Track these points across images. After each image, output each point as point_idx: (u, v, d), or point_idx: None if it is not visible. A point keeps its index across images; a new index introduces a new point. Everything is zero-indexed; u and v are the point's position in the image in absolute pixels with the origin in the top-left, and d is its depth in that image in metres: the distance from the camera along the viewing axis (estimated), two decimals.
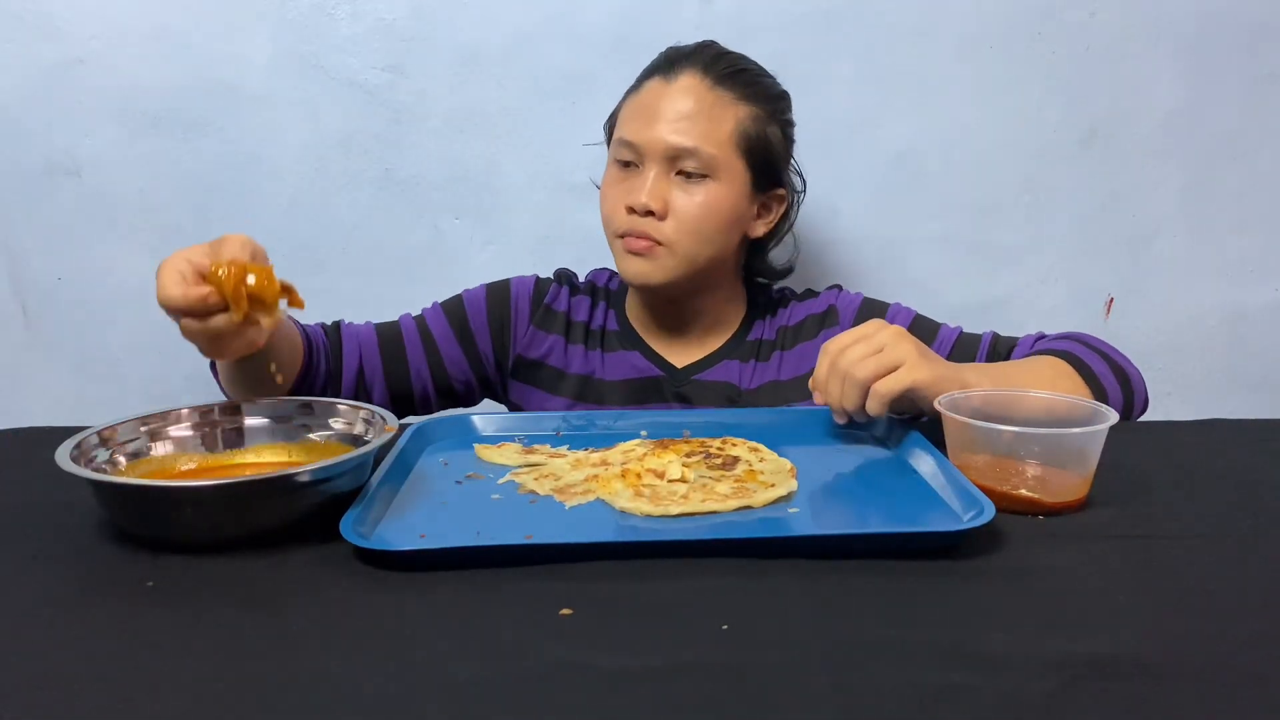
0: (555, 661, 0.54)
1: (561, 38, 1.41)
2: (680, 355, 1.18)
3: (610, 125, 1.18)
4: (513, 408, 1.20)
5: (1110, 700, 0.50)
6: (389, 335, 1.14)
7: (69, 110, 1.39)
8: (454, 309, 1.18)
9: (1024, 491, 0.76)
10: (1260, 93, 1.47)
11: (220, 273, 0.78)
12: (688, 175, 1.09)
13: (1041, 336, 1.10)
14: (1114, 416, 0.79)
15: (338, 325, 1.12)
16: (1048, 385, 0.93)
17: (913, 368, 0.85)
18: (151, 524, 0.70)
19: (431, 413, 1.16)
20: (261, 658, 0.55)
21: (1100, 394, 0.98)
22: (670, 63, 1.12)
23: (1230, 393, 1.56)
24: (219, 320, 0.79)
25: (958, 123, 1.46)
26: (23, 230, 1.43)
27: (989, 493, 0.73)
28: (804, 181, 1.22)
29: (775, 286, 1.25)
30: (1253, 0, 1.43)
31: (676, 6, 1.39)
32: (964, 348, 1.11)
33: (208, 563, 0.67)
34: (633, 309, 1.21)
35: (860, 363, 0.86)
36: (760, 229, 1.17)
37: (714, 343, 1.19)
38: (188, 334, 0.81)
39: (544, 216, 1.47)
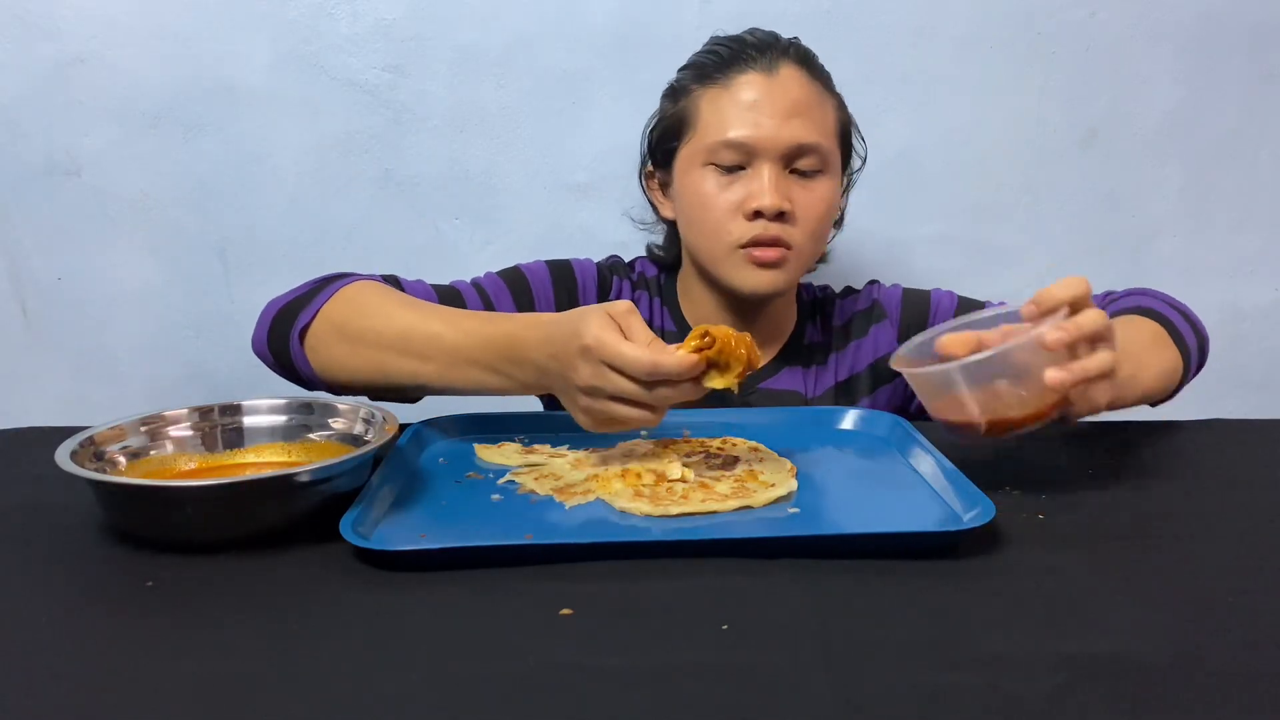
0: (555, 661, 0.54)
1: (561, 38, 1.41)
2: None
3: (671, 127, 1.10)
4: (558, 404, 1.15)
5: (1110, 700, 0.50)
6: (450, 297, 1.06)
7: (69, 110, 1.39)
8: (515, 281, 1.11)
9: (1012, 413, 0.77)
10: (1260, 93, 1.47)
11: (708, 339, 0.74)
12: (803, 173, 1.04)
13: (1109, 295, 1.11)
14: (1014, 319, 0.79)
15: (396, 279, 1.04)
16: (1157, 357, 0.95)
17: (1113, 382, 0.79)
18: (151, 524, 0.70)
19: None
20: (261, 658, 0.55)
21: (1186, 354, 0.98)
22: (760, 53, 1.06)
23: (1230, 393, 1.56)
24: (692, 391, 0.75)
25: (958, 123, 1.46)
26: (23, 230, 1.43)
27: (972, 425, 0.77)
28: (864, 159, 1.18)
29: (817, 285, 1.24)
30: (1253, 0, 1.43)
31: (676, 7, 1.39)
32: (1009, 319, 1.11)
33: (208, 563, 0.67)
34: (695, 310, 1.15)
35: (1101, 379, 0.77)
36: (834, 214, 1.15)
37: (773, 348, 1.15)
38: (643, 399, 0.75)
39: (544, 216, 1.47)
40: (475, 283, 1.10)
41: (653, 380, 0.74)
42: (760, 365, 0.78)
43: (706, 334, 0.75)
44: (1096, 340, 0.76)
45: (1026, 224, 1.50)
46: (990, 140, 1.47)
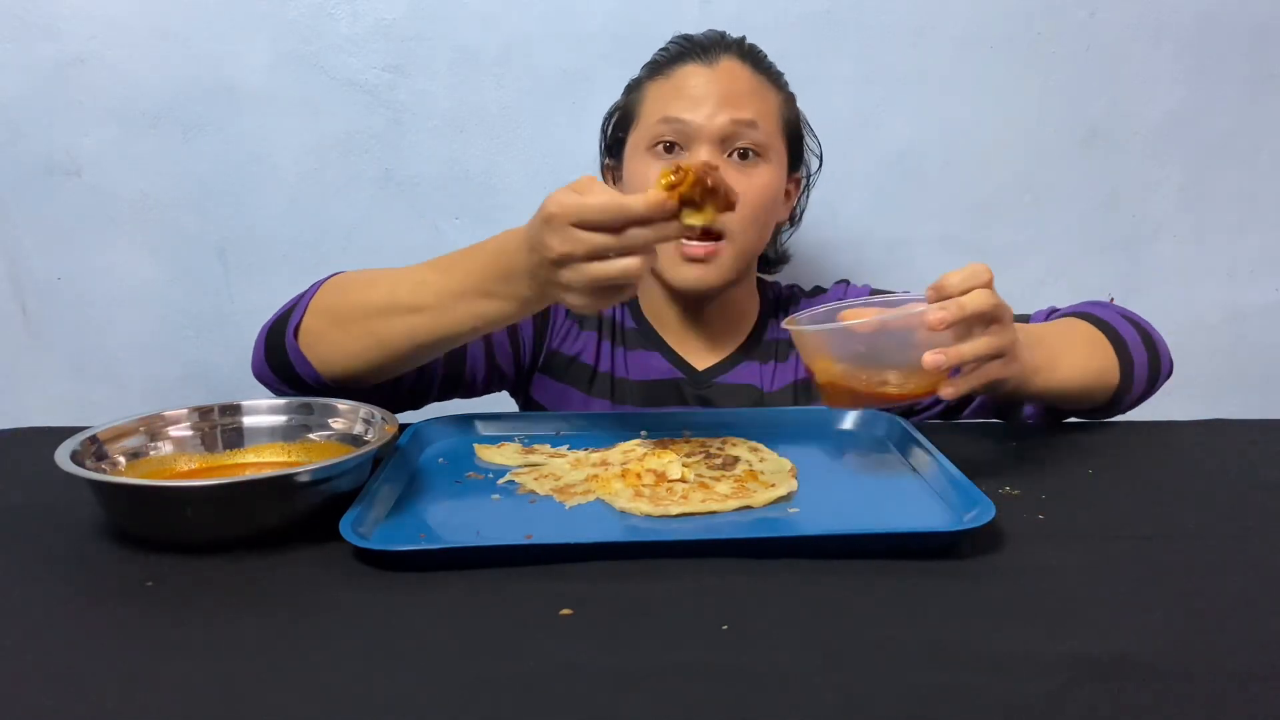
0: (555, 661, 0.54)
1: (561, 38, 1.41)
2: (699, 356, 1.15)
3: (621, 118, 1.15)
4: (533, 404, 1.16)
5: (1110, 700, 0.50)
6: None
7: (69, 110, 1.39)
8: None
9: (890, 388, 0.78)
10: (1260, 93, 1.47)
11: (680, 173, 0.73)
12: (742, 155, 1.05)
13: (1054, 310, 1.11)
14: (921, 305, 0.78)
15: None
16: (1083, 353, 0.95)
17: (1009, 362, 0.80)
18: (151, 524, 0.70)
19: (478, 395, 1.12)
20: (261, 658, 0.55)
21: (1126, 360, 0.97)
22: (704, 48, 1.09)
23: (1230, 393, 1.56)
24: (672, 229, 0.74)
25: (958, 123, 1.46)
26: (23, 230, 1.43)
27: (851, 393, 0.79)
28: (821, 159, 1.20)
29: (784, 283, 1.24)
30: (1253, 0, 1.43)
31: (676, 7, 1.39)
32: None
33: (208, 563, 0.67)
34: (649, 305, 1.17)
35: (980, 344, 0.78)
36: (784, 213, 1.16)
37: (732, 342, 1.16)
38: (615, 260, 0.74)
39: None
40: None
41: (623, 223, 0.73)
42: (737, 200, 0.78)
43: (678, 168, 0.74)
44: (990, 322, 0.77)
45: (1026, 224, 1.50)
46: (990, 140, 1.47)
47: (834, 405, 0.84)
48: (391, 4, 1.39)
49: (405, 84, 1.41)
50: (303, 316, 0.93)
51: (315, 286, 0.97)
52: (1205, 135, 1.48)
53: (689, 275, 1.06)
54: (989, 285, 0.77)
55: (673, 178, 0.74)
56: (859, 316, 0.79)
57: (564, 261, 0.75)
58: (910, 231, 1.50)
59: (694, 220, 0.75)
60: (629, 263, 0.75)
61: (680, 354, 1.15)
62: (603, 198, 0.73)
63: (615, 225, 0.73)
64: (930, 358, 0.75)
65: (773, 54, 1.14)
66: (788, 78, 1.16)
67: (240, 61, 1.39)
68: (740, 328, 1.17)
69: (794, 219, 1.21)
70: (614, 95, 1.18)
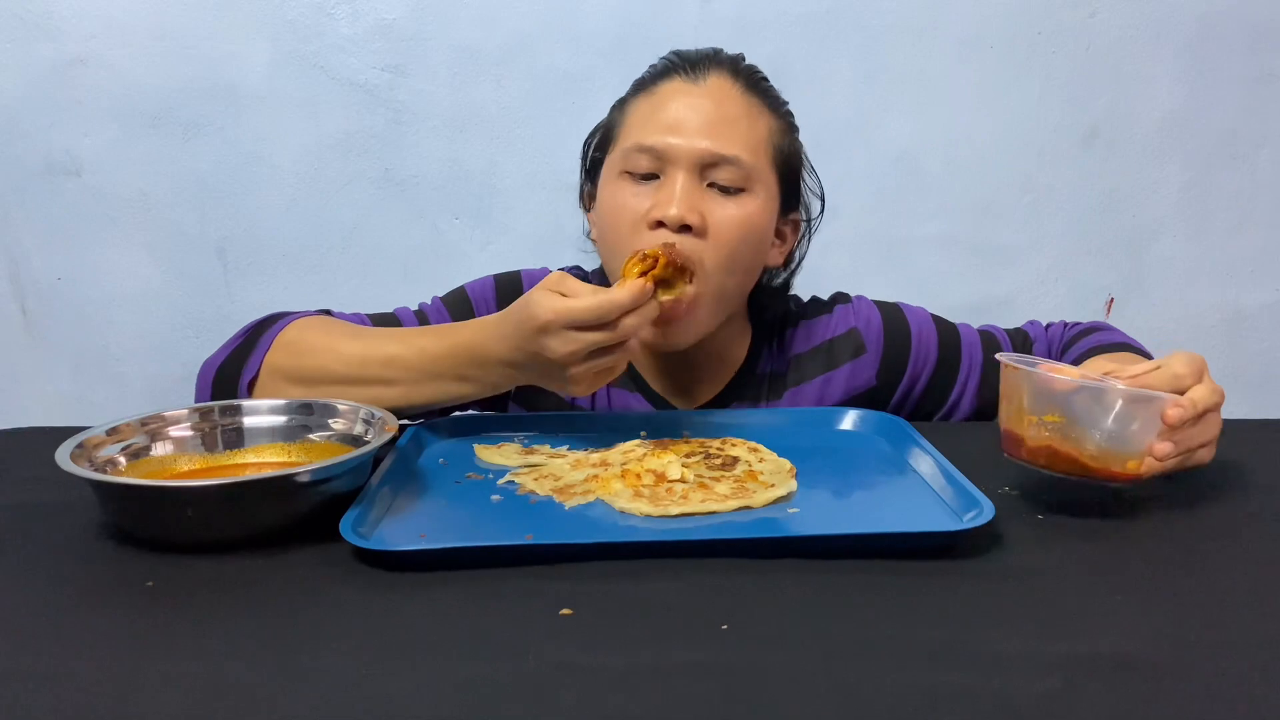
0: (555, 661, 0.54)
1: (561, 38, 1.41)
2: (684, 397, 1.07)
3: (602, 138, 1.06)
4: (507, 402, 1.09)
5: (1110, 700, 0.50)
6: (387, 323, 1.03)
7: (69, 110, 1.39)
8: (457, 303, 1.07)
9: (1088, 459, 0.76)
10: (1260, 93, 1.47)
11: (649, 260, 0.85)
12: (722, 188, 0.96)
13: (1048, 325, 1.08)
14: (1164, 397, 0.76)
15: (328, 313, 1.02)
16: None
17: (1213, 446, 0.81)
18: (151, 524, 0.70)
19: (431, 416, 1.12)
20: (261, 658, 0.55)
21: None
22: (692, 64, 1.00)
23: (1230, 393, 1.55)
24: (652, 309, 0.83)
25: (958, 123, 1.47)
26: (23, 230, 1.43)
27: (1051, 453, 0.75)
28: (823, 202, 1.09)
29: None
30: (1253, 0, 1.44)
31: (677, 7, 1.39)
32: (989, 350, 1.07)
33: (208, 563, 0.67)
34: None
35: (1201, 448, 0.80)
36: (776, 257, 1.06)
37: (720, 380, 1.07)
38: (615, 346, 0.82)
39: (544, 216, 1.47)
40: (420, 308, 1.08)
41: (615, 317, 0.80)
42: (698, 270, 0.91)
43: (645, 255, 0.85)
44: (1207, 410, 0.78)
45: (1026, 224, 1.51)
46: (990, 140, 1.47)
47: (1013, 456, 0.79)
48: (391, 4, 1.39)
49: (405, 84, 1.41)
50: (257, 373, 0.91)
51: (268, 337, 0.92)
52: (1205, 135, 1.48)
53: (656, 333, 0.96)
54: (1203, 376, 0.79)
55: (643, 264, 0.84)
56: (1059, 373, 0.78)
57: (569, 360, 0.82)
58: (910, 231, 1.50)
59: (667, 297, 0.87)
60: (624, 357, 0.84)
61: (662, 395, 1.07)
62: (591, 299, 0.80)
63: (608, 321, 0.80)
64: (1162, 447, 0.75)
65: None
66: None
67: (240, 61, 1.39)
68: (728, 365, 1.08)
69: (789, 263, 1.10)
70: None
